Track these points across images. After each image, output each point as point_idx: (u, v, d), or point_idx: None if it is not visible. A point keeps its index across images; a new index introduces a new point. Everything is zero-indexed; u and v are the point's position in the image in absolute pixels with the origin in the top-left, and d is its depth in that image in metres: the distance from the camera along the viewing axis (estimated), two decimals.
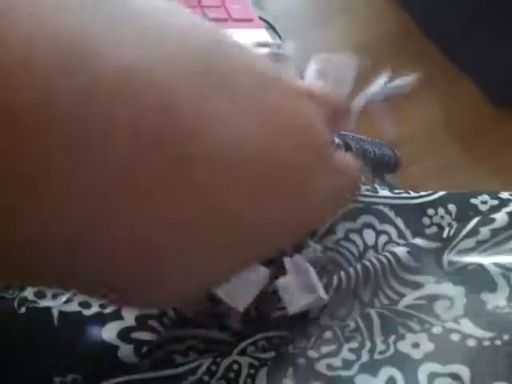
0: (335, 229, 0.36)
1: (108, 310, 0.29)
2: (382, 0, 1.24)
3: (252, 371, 0.28)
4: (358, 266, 0.33)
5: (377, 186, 0.42)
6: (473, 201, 0.36)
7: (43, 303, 0.28)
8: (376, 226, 0.36)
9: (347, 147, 0.40)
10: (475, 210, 0.35)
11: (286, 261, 0.30)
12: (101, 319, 0.28)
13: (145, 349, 0.28)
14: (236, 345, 0.29)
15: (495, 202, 0.35)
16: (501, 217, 0.32)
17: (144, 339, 0.28)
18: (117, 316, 0.29)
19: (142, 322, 0.29)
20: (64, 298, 0.29)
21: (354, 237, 0.36)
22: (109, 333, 0.28)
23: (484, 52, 1.04)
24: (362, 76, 0.32)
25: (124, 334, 0.28)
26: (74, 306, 0.29)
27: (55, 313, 0.28)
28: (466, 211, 0.35)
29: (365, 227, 0.36)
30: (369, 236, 0.36)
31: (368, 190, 0.39)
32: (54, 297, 0.29)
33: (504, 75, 1.01)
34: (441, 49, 1.16)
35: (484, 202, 0.35)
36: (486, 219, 0.33)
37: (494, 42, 1.02)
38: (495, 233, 0.32)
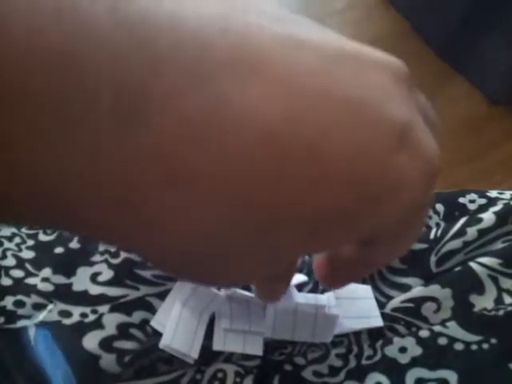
0: None
1: (88, 319, 0.28)
2: (374, 1, 1.24)
3: (238, 379, 0.27)
4: None
5: None
6: (461, 200, 0.35)
7: (20, 321, 0.27)
8: None
9: None
10: (463, 209, 0.35)
11: None
12: (81, 328, 0.28)
13: (127, 358, 0.28)
14: (221, 352, 0.29)
15: (483, 201, 0.35)
16: (488, 216, 0.32)
17: (126, 348, 0.28)
18: (98, 325, 0.28)
19: (123, 331, 0.28)
20: (44, 312, 0.28)
21: None
22: (90, 342, 0.27)
23: (478, 51, 1.05)
24: None
25: (106, 343, 0.27)
26: (53, 316, 0.28)
27: (32, 333, 0.27)
28: (453, 211, 0.35)
29: None
30: None
31: None
32: (35, 307, 0.28)
33: (498, 73, 1.01)
34: (434, 49, 1.16)
35: (472, 201, 0.35)
36: (474, 219, 0.32)
37: (487, 41, 1.02)
38: (482, 233, 0.32)
